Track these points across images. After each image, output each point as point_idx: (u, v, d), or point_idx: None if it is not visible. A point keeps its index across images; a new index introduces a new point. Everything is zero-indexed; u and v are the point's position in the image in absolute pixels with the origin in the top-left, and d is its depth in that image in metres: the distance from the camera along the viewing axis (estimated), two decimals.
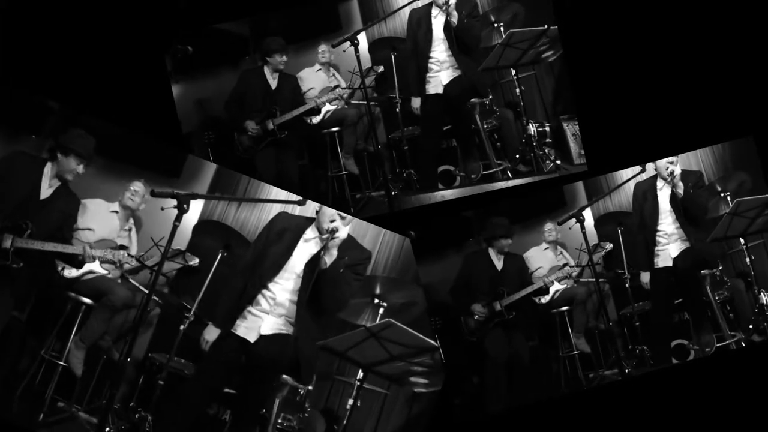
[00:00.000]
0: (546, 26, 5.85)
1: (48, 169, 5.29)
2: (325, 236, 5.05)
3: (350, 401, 5.20)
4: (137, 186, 5.59)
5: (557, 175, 6.01)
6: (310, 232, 5.24)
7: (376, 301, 5.59)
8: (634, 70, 5.78)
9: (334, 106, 6.21)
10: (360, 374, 5.19)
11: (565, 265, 6.11)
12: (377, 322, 5.35)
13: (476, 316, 5.97)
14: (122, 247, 5.39)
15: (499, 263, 6.11)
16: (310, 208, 5.32)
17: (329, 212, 5.11)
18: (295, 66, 6.20)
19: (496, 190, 5.96)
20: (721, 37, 5.78)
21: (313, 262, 5.11)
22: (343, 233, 5.06)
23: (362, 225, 5.59)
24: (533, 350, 6.04)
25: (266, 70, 6.11)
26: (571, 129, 6.17)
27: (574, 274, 6.07)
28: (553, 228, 6.21)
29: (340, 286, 5.10)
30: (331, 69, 6.32)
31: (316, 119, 6.21)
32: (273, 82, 6.13)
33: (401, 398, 5.74)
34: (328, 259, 5.03)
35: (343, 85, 6.16)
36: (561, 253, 6.26)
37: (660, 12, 5.79)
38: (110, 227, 5.57)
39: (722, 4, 5.79)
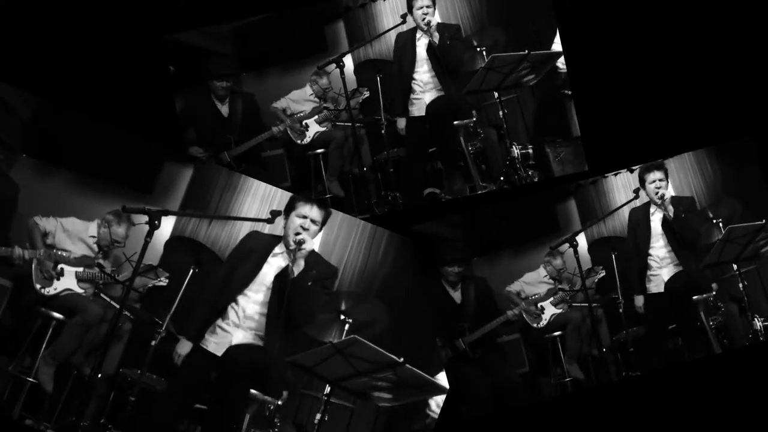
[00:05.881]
0: (527, 51, 5.86)
1: None
2: (292, 247, 5.15)
3: (318, 416, 5.23)
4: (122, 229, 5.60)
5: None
6: (278, 248, 5.34)
7: (342, 317, 5.62)
8: (634, 70, 5.82)
9: (324, 128, 6.20)
10: (327, 389, 5.21)
11: (560, 289, 6.05)
12: (343, 338, 5.37)
13: None
14: (99, 266, 5.42)
15: (456, 294, 5.99)
16: (279, 225, 5.34)
17: (294, 225, 5.22)
18: (280, 88, 6.17)
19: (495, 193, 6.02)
20: (722, 38, 5.82)
21: (282, 275, 5.20)
22: (309, 245, 5.18)
23: (329, 242, 5.70)
24: (523, 377, 5.96)
25: (213, 97, 6.05)
26: (552, 152, 6.14)
27: (568, 298, 6.02)
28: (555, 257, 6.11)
29: (308, 299, 5.20)
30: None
31: (304, 140, 6.19)
32: (223, 108, 6.08)
33: (367, 412, 5.78)
34: (296, 269, 5.14)
35: (332, 107, 6.17)
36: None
37: (660, 12, 5.83)
38: (89, 250, 5.59)
39: (722, 4, 5.83)
